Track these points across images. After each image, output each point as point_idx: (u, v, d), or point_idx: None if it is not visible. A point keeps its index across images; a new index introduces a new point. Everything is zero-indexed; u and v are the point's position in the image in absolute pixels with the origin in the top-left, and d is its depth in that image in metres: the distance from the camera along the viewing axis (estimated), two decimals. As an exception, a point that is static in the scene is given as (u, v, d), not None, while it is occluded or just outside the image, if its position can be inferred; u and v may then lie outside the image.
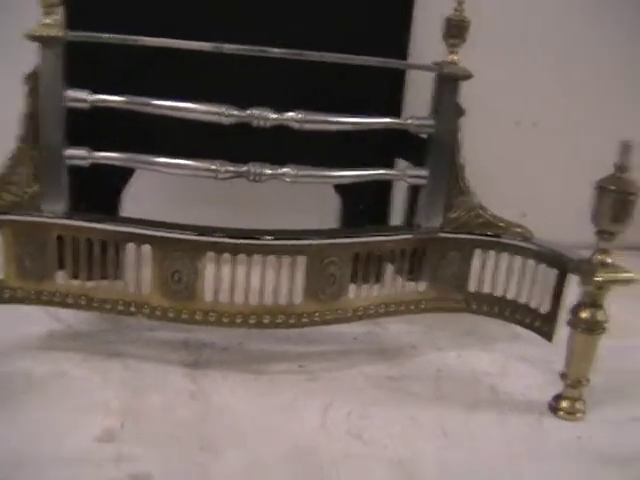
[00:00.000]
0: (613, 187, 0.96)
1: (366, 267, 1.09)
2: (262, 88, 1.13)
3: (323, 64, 1.05)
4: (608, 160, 0.97)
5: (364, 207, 1.31)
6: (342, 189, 1.28)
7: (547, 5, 1.62)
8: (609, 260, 0.99)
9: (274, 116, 1.01)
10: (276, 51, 1.02)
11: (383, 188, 1.30)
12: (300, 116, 1.02)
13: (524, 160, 1.66)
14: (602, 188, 0.97)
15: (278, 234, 1.03)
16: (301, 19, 1.21)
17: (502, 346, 1.22)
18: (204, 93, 1.02)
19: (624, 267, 0.99)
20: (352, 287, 1.09)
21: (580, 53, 1.65)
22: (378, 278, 1.11)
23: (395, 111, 1.26)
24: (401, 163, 1.26)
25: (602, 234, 0.98)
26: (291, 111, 1.02)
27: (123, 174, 1.17)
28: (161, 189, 1.35)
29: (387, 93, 1.27)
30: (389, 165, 1.27)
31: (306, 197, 1.41)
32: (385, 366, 1.12)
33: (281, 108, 1.02)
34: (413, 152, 1.16)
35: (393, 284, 1.13)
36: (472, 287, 1.19)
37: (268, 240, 1.02)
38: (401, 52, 1.26)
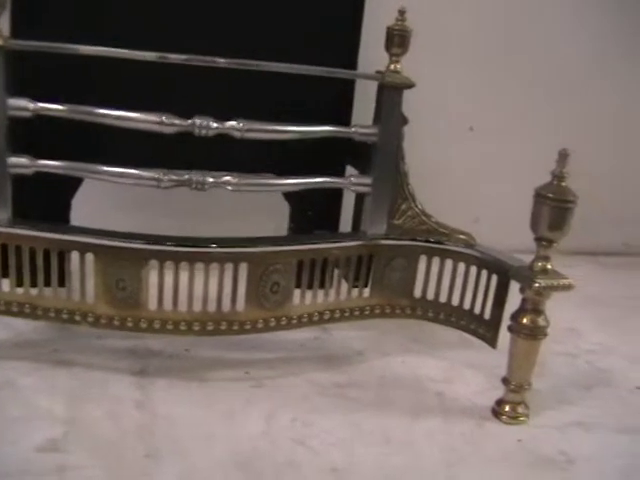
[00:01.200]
0: (551, 195, 0.97)
1: (311, 274, 1.09)
2: (212, 97, 1.14)
3: (273, 73, 1.06)
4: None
5: (313, 214, 1.32)
6: (291, 196, 1.29)
7: (502, 10, 1.63)
8: (549, 266, 1.00)
9: (215, 125, 1.01)
10: (222, 61, 1.03)
11: (333, 195, 1.31)
12: (241, 125, 1.02)
13: (477, 165, 1.67)
14: (540, 195, 0.98)
15: (222, 242, 1.03)
16: (249, 29, 1.21)
17: (449, 352, 1.22)
18: (152, 102, 1.02)
19: (563, 274, 1.00)
20: (297, 293, 1.10)
21: (534, 59, 1.67)
22: (323, 284, 1.12)
23: (345, 119, 1.27)
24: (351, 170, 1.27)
25: (540, 241, 1.00)
26: (232, 120, 1.02)
27: (72, 181, 1.16)
28: (113, 196, 1.34)
29: (336, 101, 1.27)
30: (340, 172, 1.27)
31: (262, 203, 1.41)
32: (331, 373, 1.12)
33: (232, 117, 1.03)
34: (359, 160, 1.16)
35: (338, 291, 1.13)
36: (418, 293, 1.20)
37: (211, 248, 1.02)
38: (350, 61, 1.26)
